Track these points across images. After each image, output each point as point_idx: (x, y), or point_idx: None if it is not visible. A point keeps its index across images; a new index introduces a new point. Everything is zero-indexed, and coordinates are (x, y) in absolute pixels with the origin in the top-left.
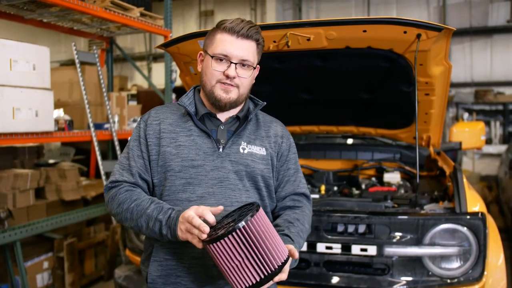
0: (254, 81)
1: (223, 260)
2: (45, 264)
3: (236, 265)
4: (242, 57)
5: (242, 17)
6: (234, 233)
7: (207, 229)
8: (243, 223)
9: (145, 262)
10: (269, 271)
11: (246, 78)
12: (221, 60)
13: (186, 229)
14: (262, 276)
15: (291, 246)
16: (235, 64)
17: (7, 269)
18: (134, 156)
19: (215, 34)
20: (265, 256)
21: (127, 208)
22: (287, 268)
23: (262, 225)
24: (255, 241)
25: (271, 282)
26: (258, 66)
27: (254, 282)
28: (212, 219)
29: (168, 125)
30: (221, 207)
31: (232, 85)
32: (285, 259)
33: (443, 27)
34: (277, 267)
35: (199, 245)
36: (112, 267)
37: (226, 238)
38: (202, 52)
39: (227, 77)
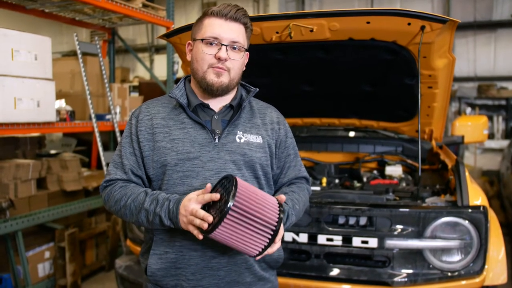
0: (244, 68)
1: (229, 239)
2: (47, 254)
3: (243, 238)
4: (232, 39)
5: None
6: (228, 215)
7: (211, 218)
8: (231, 203)
9: (144, 254)
10: (273, 228)
11: (237, 61)
12: (211, 44)
13: (188, 221)
14: (269, 239)
15: (281, 196)
16: (226, 46)
17: (8, 259)
18: (126, 154)
19: (202, 21)
20: (263, 218)
21: (124, 204)
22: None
23: (247, 194)
24: (249, 211)
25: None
26: (247, 52)
27: (266, 243)
28: (216, 198)
29: (161, 120)
30: (208, 185)
31: (223, 69)
32: (278, 211)
33: (448, 19)
34: (276, 221)
35: (200, 236)
36: (113, 257)
37: (222, 223)
38: (190, 41)
39: (219, 59)
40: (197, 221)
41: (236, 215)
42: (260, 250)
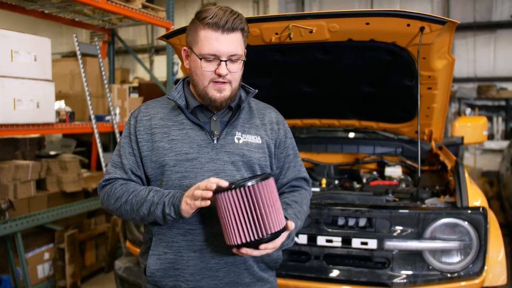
0: (243, 69)
1: (226, 213)
2: (46, 255)
3: (235, 221)
4: (230, 53)
5: (245, 10)
6: (241, 189)
7: (214, 185)
8: (252, 182)
9: (143, 255)
10: (261, 236)
11: (237, 72)
12: (209, 60)
13: (192, 196)
14: (253, 239)
15: (290, 222)
16: (225, 61)
17: (8, 260)
18: (125, 154)
19: (197, 30)
20: (261, 220)
21: (126, 201)
22: (279, 241)
23: (268, 192)
24: (257, 203)
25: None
26: (245, 50)
27: (244, 241)
28: (225, 184)
29: (159, 120)
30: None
31: (225, 82)
32: (280, 229)
33: (447, 20)
34: (270, 233)
35: (207, 202)
36: (113, 259)
37: (233, 191)
38: (186, 48)
39: (219, 75)
40: (199, 192)
41: (248, 195)
42: (239, 243)
